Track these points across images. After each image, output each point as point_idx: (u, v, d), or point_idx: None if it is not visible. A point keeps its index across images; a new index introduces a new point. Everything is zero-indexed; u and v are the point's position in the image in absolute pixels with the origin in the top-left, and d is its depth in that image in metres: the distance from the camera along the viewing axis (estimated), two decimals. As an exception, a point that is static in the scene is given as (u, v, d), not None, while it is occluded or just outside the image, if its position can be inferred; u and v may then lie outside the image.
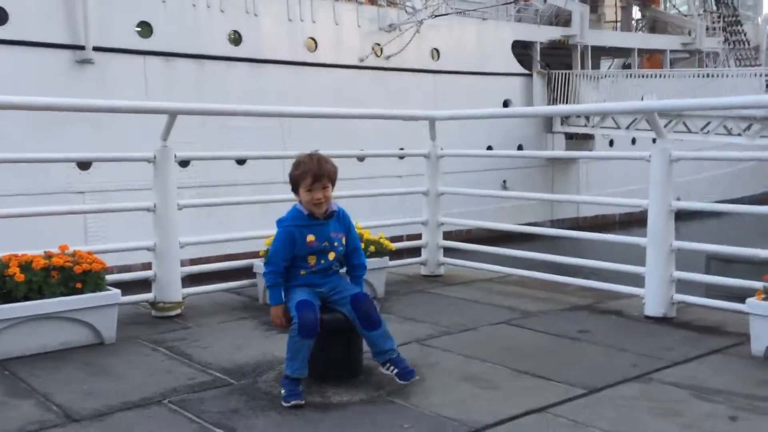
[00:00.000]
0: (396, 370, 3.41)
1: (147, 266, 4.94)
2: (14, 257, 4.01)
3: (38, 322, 3.94)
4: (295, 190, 3.50)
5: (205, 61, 17.47)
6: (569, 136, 25.08)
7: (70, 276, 4.08)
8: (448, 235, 6.36)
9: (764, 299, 3.94)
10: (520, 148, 23.00)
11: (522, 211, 20.89)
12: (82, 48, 15.59)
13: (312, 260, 3.47)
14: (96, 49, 15.66)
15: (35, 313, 3.90)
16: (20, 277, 3.90)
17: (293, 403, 3.18)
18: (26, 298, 3.92)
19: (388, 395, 3.32)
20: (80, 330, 4.09)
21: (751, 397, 3.34)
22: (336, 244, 3.51)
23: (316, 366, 3.39)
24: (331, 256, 3.51)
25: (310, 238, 3.45)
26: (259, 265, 5.22)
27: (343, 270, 3.70)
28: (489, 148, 21.08)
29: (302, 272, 3.47)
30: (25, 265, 3.97)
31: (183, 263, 5.00)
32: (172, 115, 4.74)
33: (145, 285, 4.94)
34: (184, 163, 16.49)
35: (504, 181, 22.07)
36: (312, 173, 3.42)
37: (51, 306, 3.95)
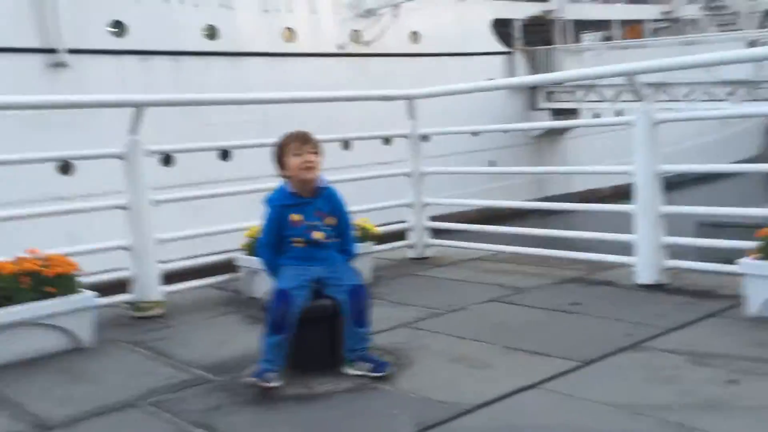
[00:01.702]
0: (369, 365, 3.25)
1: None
2: (-19, 264, 3.86)
3: (11, 330, 3.79)
4: (281, 164, 3.41)
5: (181, 57, 17.24)
6: (554, 113, 24.95)
7: (42, 280, 3.93)
8: (435, 218, 6.23)
9: (757, 258, 3.84)
10: (505, 127, 22.83)
11: (510, 190, 20.75)
12: (54, 51, 15.33)
13: (298, 241, 3.36)
14: (70, 51, 15.41)
15: (5, 320, 3.75)
16: (-12, 284, 3.75)
17: (255, 380, 3.09)
18: (-3, 306, 3.77)
19: (374, 382, 3.19)
20: (56, 335, 3.95)
21: (749, 359, 3.24)
22: (319, 224, 3.38)
23: (299, 356, 3.27)
24: (317, 235, 3.37)
25: (295, 217, 3.36)
26: (241, 257, 5.09)
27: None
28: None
29: (296, 245, 3.36)
30: (-7, 272, 3.83)
31: (166, 262, 4.87)
32: (139, 107, 4.58)
33: (125, 286, 4.80)
34: (166, 162, 16.35)
35: (490, 161, 21.93)
36: (297, 136, 3.39)
37: (22, 313, 3.80)
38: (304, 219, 3.37)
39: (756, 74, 19.19)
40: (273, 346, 3.18)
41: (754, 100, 19.56)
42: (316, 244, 3.37)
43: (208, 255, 5.33)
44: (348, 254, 3.54)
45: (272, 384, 3.10)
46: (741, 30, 28.88)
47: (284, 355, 3.20)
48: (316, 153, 3.40)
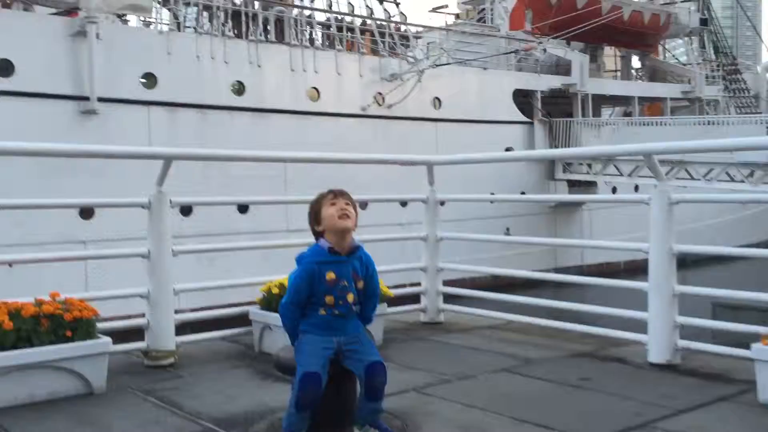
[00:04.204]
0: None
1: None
2: (3, 305, 3.94)
3: (26, 372, 3.85)
4: (316, 221, 3.32)
5: (208, 110, 17.63)
6: (572, 184, 25.10)
7: (60, 324, 4.00)
8: (449, 283, 6.27)
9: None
10: (522, 195, 22.95)
11: (525, 258, 20.71)
12: (86, 99, 15.76)
13: (330, 300, 3.22)
14: (101, 99, 15.83)
15: (23, 362, 3.81)
16: (8, 324, 3.82)
17: None
18: (15, 347, 3.83)
19: (382, 446, 3.20)
20: (69, 379, 4.00)
21: (759, 447, 3.22)
22: (353, 285, 3.28)
23: (311, 416, 3.28)
24: (350, 297, 3.26)
25: (330, 275, 3.22)
26: (255, 312, 5.14)
27: None
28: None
29: (321, 311, 3.22)
30: (15, 313, 3.90)
31: (183, 312, 4.93)
32: (167, 160, 4.72)
33: (140, 333, 4.85)
34: (185, 212, 16.56)
35: (507, 229, 22.00)
36: (331, 190, 3.35)
37: (39, 355, 3.86)
38: (339, 279, 3.25)
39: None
40: (298, 419, 3.15)
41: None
42: (344, 314, 3.26)
43: (222, 307, 5.38)
44: (367, 320, 3.44)
45: None
46: (761, 113, 29.15)
47: (307, 424, 3.18)
48: (351, 204, 3.32)
